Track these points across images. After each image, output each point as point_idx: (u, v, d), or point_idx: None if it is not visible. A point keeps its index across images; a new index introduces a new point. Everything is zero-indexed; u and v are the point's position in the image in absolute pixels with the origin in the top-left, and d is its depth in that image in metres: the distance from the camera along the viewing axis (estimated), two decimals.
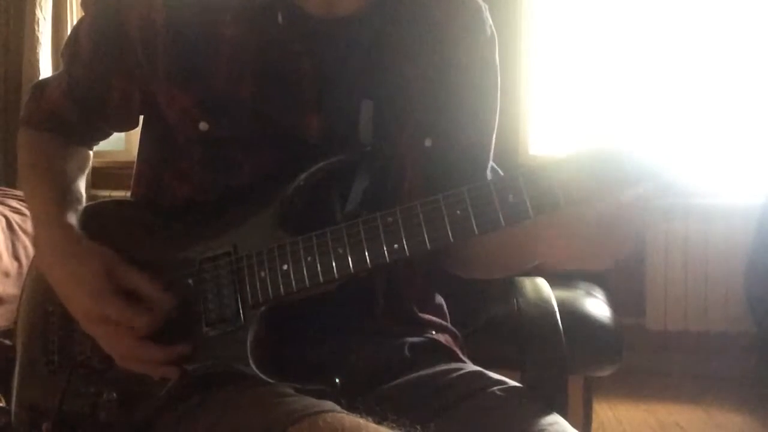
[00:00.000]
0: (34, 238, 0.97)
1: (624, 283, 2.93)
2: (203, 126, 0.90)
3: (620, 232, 0.75)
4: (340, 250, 0.79)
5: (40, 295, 0.98)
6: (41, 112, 1.02)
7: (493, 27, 1.02)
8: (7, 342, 1.01)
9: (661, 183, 0.70)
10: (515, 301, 1.08)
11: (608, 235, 0.75)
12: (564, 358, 0.99)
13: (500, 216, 0.73)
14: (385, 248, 0.77)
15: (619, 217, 0.73)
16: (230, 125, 0.90)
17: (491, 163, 1.05)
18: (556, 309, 1.04)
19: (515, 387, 0.91)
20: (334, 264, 0.79)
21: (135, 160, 1.03)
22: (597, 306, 2.10)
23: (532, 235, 0.81)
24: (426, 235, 0.76)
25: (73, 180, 1.00)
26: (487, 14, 1.02)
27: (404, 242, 0.76)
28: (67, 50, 1.01)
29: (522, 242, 0.85)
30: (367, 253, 0.78)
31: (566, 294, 2.14)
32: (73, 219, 0.93)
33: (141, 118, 1.01)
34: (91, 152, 1.08)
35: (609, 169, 0.70)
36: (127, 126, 1.03)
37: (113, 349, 0.87)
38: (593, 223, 0.74)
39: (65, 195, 0.96)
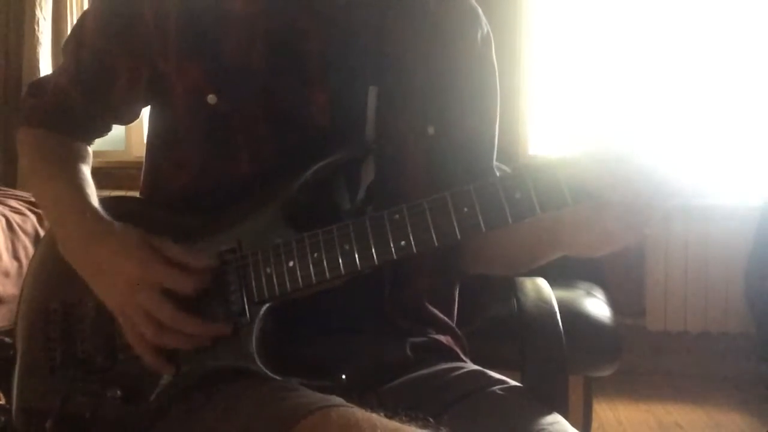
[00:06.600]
0: (55, 226, 0.95)
1: (624, 283, 2.93)
2: (211, 99, 0.90)
3: (630, 221, 0.75)
4: (347, 247, 0.79)
5: (40, 293, 0.98)
6: (44, 108, 1.02)
7: (488, 27, 1.05)
8: (7, 340, 1.00)
9: (664, 185, 0.70)
10: (515, 301, 1.08)
11: (622, 224, 0.75)
12: (564, 358, 0.99)
13: (507, 213, 0.73)
14: (392, 245, 0.77)
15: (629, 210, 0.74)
16: (239, 98, 0.90)
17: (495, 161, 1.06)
18: (556, 309, 1.04)
19: (515, 387, 0.91)
20: (340, 260, 0.79)
21: (135, 160, 1.04)
22: (597, 306, 2.10)
23: (553, 228, 0.82)
24: (433, 232, 0.76)
25: (85, 172, 1.00)
26: (482, 15, 1.05)
27: (411, 239, 0.76)
28: (72, 40, 1.01)
29: (544, 235, 0.86)
30: (374, 250, 0.78)
31: (566, 294, 2.14)
32: (97, 203, 0.93)
33: (142, 115, 1.01)
34: (90, 149, 1.08)
35: (614, 169, 0.70)
36: (128, 115, 1.03)
37: (151, 321, 0.82)
38: (611, 215, 0.74)
39: (83, 183, 0.97)
